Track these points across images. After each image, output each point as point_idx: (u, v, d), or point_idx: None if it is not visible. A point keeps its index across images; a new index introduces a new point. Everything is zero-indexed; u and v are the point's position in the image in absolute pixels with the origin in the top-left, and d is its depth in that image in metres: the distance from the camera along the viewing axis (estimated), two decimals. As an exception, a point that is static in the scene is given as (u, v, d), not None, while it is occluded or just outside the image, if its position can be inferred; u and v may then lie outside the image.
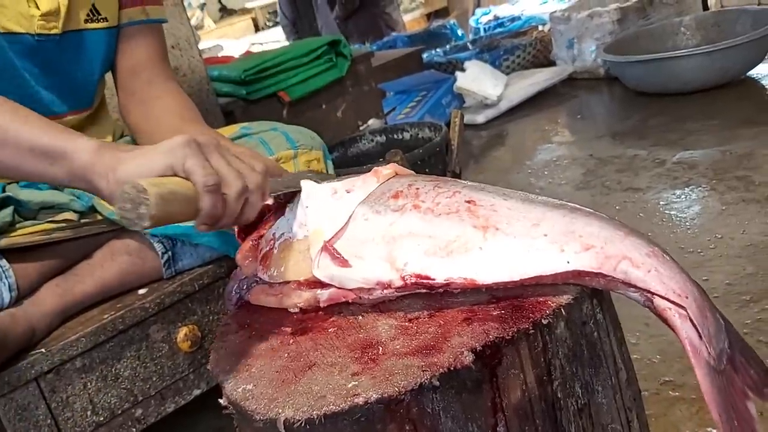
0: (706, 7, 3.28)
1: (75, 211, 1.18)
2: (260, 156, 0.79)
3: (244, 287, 0.85)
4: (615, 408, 0.72)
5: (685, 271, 0.67)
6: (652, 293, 0.65)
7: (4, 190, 1.14)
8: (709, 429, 1.08)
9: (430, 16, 5.95)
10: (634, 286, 0.65)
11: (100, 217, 1.19)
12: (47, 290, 1.14)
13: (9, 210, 1.12)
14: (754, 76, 2.53)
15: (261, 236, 0.85)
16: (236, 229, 0.89)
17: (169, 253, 1.20)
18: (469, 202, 0.73)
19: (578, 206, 0.74)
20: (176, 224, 1.18)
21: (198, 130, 1.12)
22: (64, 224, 1.15)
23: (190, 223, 1.17)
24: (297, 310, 0.79)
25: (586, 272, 0.66)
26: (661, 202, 1.82)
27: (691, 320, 0.64)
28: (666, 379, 1.20)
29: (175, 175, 0.72)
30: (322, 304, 0.77)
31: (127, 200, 0.66)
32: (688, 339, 0.64)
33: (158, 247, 1.19)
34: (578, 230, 0.68)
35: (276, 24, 6.31)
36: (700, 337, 0.63)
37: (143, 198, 0.65)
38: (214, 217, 0.73)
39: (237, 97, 2.19)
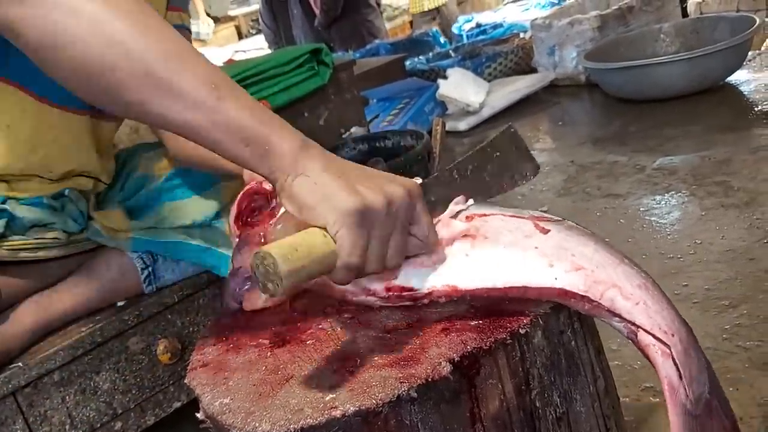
0: (685, 14, 3.31)
1: (65, 231, 1.16)
2: (427, 219, 0.71)
3: (244, 288, 0.83)
4: (593, 416, 0.73)
5: (674, 307, 0.66)
6: (637, 326, 0.64)
7: (4, 202, 1.13)
8: (689, 435, 1.08)
9: (412, 24, 5.97)
10: (620, 316, 0.64)
11: (84, 235, 1.18)
12: (25, 308, 1.12)
13: (2, 222, 1.10)
14: (733, 82, 2.55)
15: (263, 232, 0.84)
16: (231, 222, 0.87)
17: (150, 268, 1.19)
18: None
19: (576, 225, 0.73)
20: (157, 240, 1.18)
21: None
22: (50, 242, 1.14)
23: (172, 238, 1.17)
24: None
25: (572, 293, 0.65)
26: (642, 208, 1.83)
27: (673, 359, 0.63)
28: (647, 386, 1.20)
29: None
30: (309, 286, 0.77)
31: (260, 267, 0.65)
32: (668, 378, 0.63)
33: (138, 263, 1.18)
34: (571, 249, 0.68)
35: (259, 32, 6.31)
36: (680, 377, 0.62)
37: (274, 277, 0.64)
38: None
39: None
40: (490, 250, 0.69)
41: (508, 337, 0.64)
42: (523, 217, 0.72)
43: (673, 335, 0.63)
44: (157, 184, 1.22)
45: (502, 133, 0.86)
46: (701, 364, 0.65)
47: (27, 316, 1.11)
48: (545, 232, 0.70)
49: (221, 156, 0.70)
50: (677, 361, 0.62)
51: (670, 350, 0.62)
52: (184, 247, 1.19)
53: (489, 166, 0.83)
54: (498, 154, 0.85)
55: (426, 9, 5.51)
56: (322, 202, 0.66)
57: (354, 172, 0.69)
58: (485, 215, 0.73)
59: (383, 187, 0.68)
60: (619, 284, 0.65)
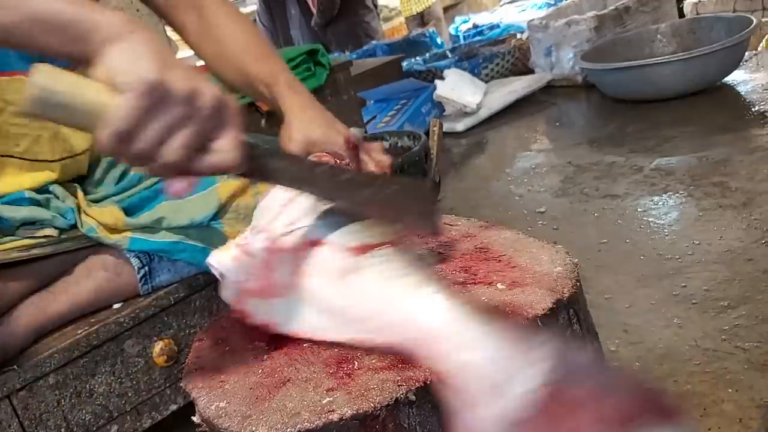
0: (681, 15, 3.31)
1: (55, 227, 1.16)
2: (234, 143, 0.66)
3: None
4: (593, 419, 0.72)
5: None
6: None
7: None
8: (688, 436, 1.08)
9: (408, 25, 5.97)
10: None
11: (79, 233, 1.17)
12: (22, 309, 1.12)
13: None
14: (730, 82, 2.55)
15: None
16: None
17: (146, 268, 1.19)
18: None
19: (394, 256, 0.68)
20: (154, 240, 1.17)
21: (266, 68, 1.13)
22: (43, 240, 1.14)
23: (169, 239, 1.17)
24: None
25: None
26: (639, 209, 1.83)
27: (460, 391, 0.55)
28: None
29: None
30: None
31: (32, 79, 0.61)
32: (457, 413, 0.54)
33: (135, 262, 1.18)
34: (356, 306, 0.66)
35: (255, 33, 6.28)
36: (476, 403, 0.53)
37: (31, 88, 0.60)
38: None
39: (214, 107, 2.18)
40: (306, 300, 0.70)
41: (507, 340, 0.64)
42: (348, 250, 0.68)
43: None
44: (153, 183, 1.21)
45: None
46: (521, 357, 0.53)
47: (23, 317, 1.10)
48: (344, 277, 0.67)
49: (42, 51, 0.67)
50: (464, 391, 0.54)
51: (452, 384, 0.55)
52: (181, 247, 1.18)
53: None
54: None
55: (414, 12, 5.52)
56: (126, 63, 0.62)
57: (178, 61, 0.65)
58: (317, 243, 0.70)
59: (199, 81, 0.64)
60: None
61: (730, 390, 1.13)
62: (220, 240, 1.17)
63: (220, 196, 1.19)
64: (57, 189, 1.19)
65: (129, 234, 1.17)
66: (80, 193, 1.21)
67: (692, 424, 0.55)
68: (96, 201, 1.22)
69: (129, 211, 1.20)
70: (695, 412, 1.11)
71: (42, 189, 1.19)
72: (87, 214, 1.17)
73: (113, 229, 1.17)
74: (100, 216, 1.17)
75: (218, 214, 1.20)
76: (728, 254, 1.51)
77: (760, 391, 1.12)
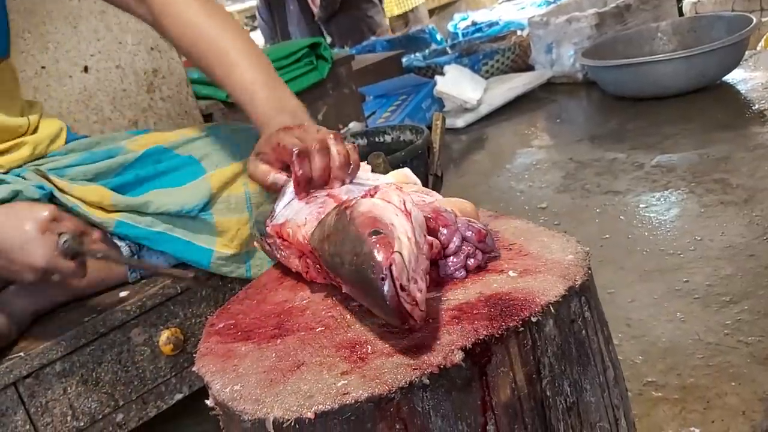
0: (681, 14, 3.32)
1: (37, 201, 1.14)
2: None
3: None
4: (603, 406, 0.72)
5: None
6: None
7: None
8: (692, 429, 1.08)
9: (408, 23, 5.96)
10: None
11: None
12: (14, 292, 1.11)
13: None
14: (730, 80, 2.56)
15: None
16: None
17: (136, 256, 1.18)
18: None
19: None
20: (140, 226, 1.16)
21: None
22: None
23: (156, 228, 1.16)
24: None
25: None
26: (641, 205, 1.83)
27: None
28: (649, 380, 1.21)
29: None
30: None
31: None
32: None
33: (125, 250, 1.17)
34: None
35: (254, 28, 6.28)
36: None
37: None
38: None
39: (217, 99, 2.18)
40: None
41: (520, 325, 0.64)
42: None
43: None
44: (142, 169, 1.20)
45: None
46: None
47: (17, 300, 1.10)
48: None
49: None
50: None
51: None
52: (164, 238, 1.17)
53: None
54: None
55: (396, 13, 5.52)
56: None
57: None
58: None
59: None
60: None
61: (733, 383, 1.14)
62: (209, 231, 1.17)
63: (212, 186, 1.19)
64: (29, 174, 1.17)
65: (116, 216, 1.15)
66: (54, 178, 1.18)
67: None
68: (64, 168, 1.20)
69: (117, 191, 1.18)
70: (699, 405, 1.12)
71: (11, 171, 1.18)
72: (68, 194, 1.15)
73: (99, 208, 1.16)
74: (83, 194, 1.15)
75: (208, 204, 1.19)
76: (730, 250, 1.52)
77: (763, 385, 1.12)
